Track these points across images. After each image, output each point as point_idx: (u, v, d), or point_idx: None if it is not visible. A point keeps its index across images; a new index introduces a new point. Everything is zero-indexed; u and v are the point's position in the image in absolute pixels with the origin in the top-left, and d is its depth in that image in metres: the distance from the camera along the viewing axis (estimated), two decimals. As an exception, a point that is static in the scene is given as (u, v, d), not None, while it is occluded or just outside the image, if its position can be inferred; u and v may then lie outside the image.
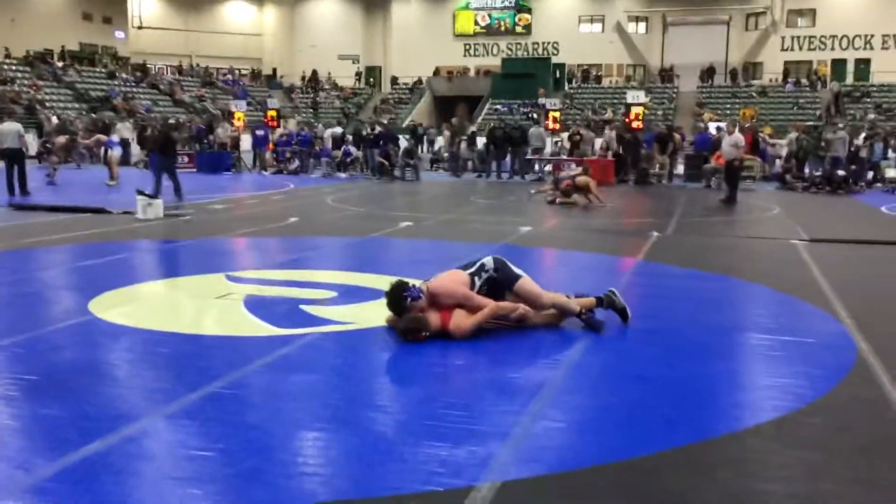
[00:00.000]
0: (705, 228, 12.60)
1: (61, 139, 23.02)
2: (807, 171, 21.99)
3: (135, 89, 41.43)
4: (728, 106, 40.42)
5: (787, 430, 3.92)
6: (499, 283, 5.74)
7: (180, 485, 3.23)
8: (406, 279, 5.70)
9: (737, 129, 17.72)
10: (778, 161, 23.46)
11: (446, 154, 26.64)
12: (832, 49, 44.82)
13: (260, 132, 26.47)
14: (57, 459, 3.44)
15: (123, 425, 3.83)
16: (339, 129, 27.64)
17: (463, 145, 25.63)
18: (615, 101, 40.37)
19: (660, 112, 39.27)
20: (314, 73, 51.44)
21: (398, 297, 5.48)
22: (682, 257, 9.39)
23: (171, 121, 26.21)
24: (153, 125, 25.75)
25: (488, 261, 5.81)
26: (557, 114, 27.23)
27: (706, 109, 39.48)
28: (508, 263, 5.87)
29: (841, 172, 19.78)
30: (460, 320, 5.43)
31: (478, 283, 5.68)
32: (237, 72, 51.87)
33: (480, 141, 26.18)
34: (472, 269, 5.74)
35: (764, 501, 3.17)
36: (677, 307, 6.80)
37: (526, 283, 5.77)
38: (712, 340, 5.63)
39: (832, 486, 3.32)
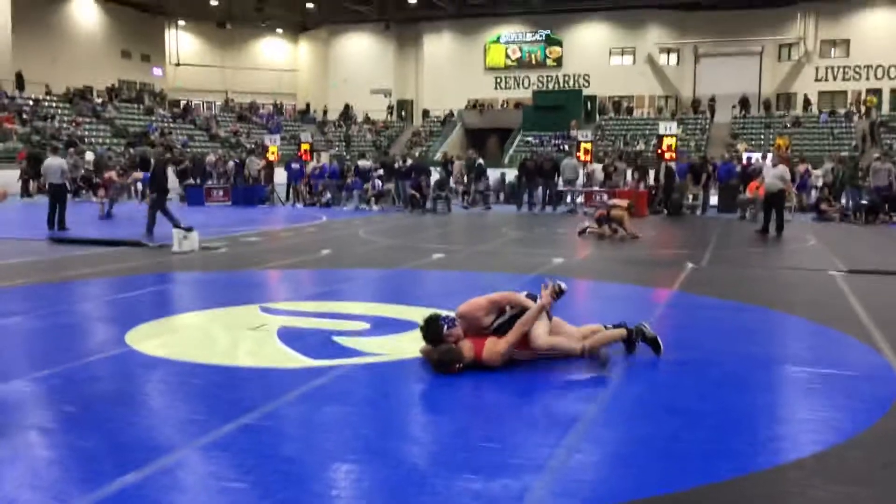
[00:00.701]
0: (741, 259, 12.47)
1: (112, 174, 23.44)
2: (843, 201, 21.74)
3: (172, 125, 42.19)
4: (762, 136, 40.16)
5: (828, 465, 3.83)
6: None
7: (214, 516, 3.23)
8: (439, 311, 5.70)
9: (781, 162, 16.86)
10: (814, 192, 23.22)
11: (459, 187, 26.55)
12: (867, 79, 44.48)
13: (295, 165, 26.75)
14: (93, 490, 3.46)
15: (158, 457, 3.85)
16: (368, 163, 27.80)
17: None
18: (647, 132, 40.31)
19: (692, 143, 39.11)
20: (347, 106, 52.07)
21: (436, 326, 5.49)
22: (718, 288, 9.28)
23: (168, 155, 26.47)
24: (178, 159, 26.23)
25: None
26: (589, 145, 27.21)
27: (740, 140, 39.26)
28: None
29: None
30: (492, 346, 5.41)
31: (502, 316, 5.64)
32: (274, 105, 52.69)
33: (493, 175, 26.35)
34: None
35: (806, 538, 3.09)
36: (713, 338, 6.72)
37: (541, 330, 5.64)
38: (749, 372, 5.54)
39: (877, 522, 3.24)
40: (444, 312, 5.66)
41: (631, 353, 5.82)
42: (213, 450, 3.98)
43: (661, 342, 5.85)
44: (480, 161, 25.97)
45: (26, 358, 5.97)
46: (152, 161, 19.83)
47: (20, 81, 39.09)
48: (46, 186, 16.22)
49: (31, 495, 3.42)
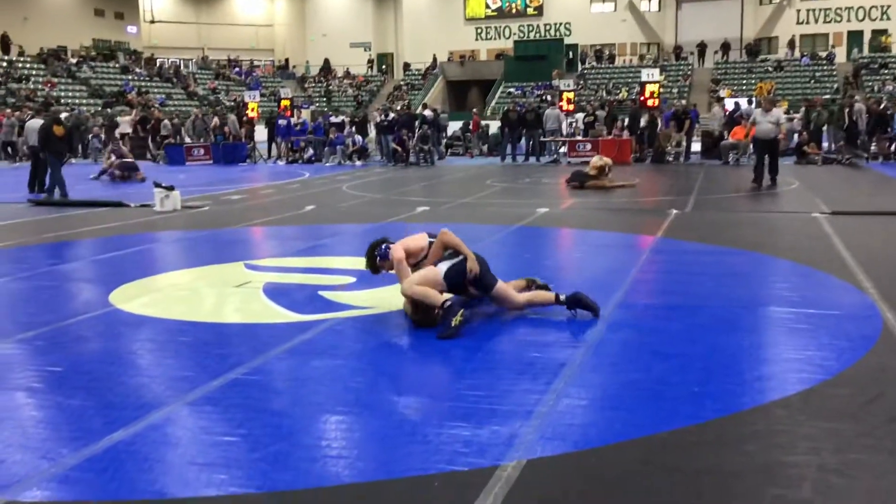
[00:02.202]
0: (725, 204, 12.49)
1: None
2: (825, 145, 21.78)
3: (149, 83, 41.56)
4: (744, 81, 40.04)
5: (814, 402, 3.87)
6: (476, 285, 5.59)
7: (206, 470, 3.23)
8: (385, 239, 5.86)
9: (774, 106, 15.47)
10: (795, 136, 23.24)
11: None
12: (848, 21, 44.25)
13: (282, 122, 26.30)
14: (82, 448, 3.45)
15: (147, 413, 3.84)
16: (339, 119, 27.28)
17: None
18: (629, 80, 40.08)
19: (675, 90, 38.95)
20: (326, 61, 51.41)
21: (371, 257, 5.74)
22: (703, 233, 9.31)
23: (65, 115, 25.77)
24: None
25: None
26: (571, 95, 27.07)
27: (722, 86, 39.13)
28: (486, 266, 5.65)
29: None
30: (416, 279, 5.43)
31: (443, 266, 5.52)
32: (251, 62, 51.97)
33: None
34: (449, 251, 5.63)
35: (793, 473, 3.13)
36: (699, 283, 6.74)
37: (501, 287, 5.61)
38: (735, 315, 5.57)
39: (861, 456, 3.28)
40: (383, 243, 5.78)
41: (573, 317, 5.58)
42: (202, 405, 3.98)
43: (598, 309, 5.54)
44: (426, 113, 25.57)
45: (9, 320, 5.92)
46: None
47: (5, 43, 38.35)
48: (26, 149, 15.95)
49: (21, 455, 3.41)
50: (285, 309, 5.93)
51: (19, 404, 4.07)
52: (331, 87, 49.04)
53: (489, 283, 5.57)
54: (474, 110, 30.88)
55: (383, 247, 5.74)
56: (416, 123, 23.93)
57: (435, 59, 48.12)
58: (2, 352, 5.00)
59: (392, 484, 3.12)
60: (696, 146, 23.19)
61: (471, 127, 28.15)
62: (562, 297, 5.53)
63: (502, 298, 5.63)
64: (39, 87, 35.47)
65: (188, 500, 2.99)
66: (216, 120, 27.03)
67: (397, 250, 5.66)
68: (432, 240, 5.74)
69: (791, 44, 43.47)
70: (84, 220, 11.54)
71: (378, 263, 5.76)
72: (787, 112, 25.17)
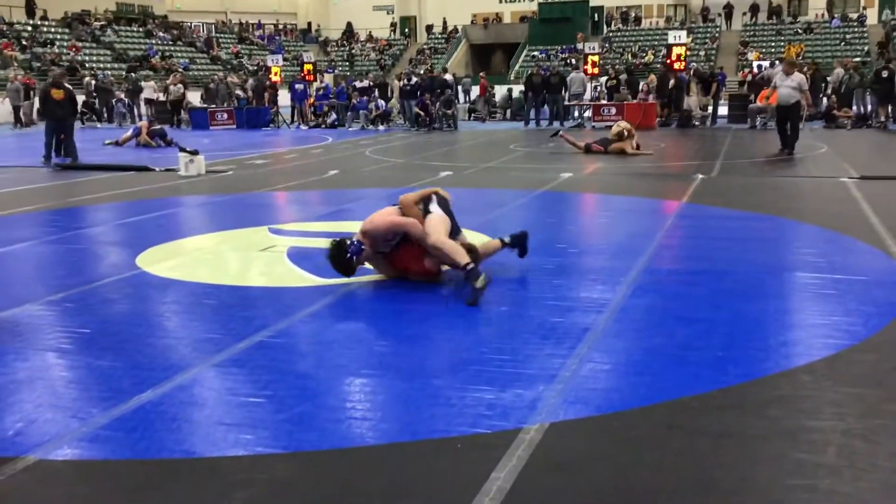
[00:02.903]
0: (751, 169, 12.35)
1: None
2: (854, 108, 21.43)
3: (172, 48, 41.55)
4: (773, 44, 39.34)
5: (840, 368, 3.85)
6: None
7: (232, 430, 3.28)
8: (343, 238, 5.51)
9: (796, 70, 14.42)
10: (824, 99, 22.87)
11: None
12: (882, -21, 43.20)
13: (299, 86, 26.37)
14: (111, 408, 3.51)
15: (175, 374, 3.90)
16: (365, 83, 27.19)
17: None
18: (655, 42, 39.53)
19: (702, 53, 38.36)
20: (349, 25, 51.08)
21: (342, 259, 5.34)
22: (729, 198, 9.22)
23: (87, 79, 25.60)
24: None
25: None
26: (596, 58, 26.74)
27: (750, 48, 38.49)
28: (444, 203, 5.58)
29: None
30: (441, 230, 5.31)
31: (436, 207, 5.49)
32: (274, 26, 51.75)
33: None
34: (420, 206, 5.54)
35: (817, 438, 3.12)
36: (724, 248, 6.69)
37: (435, 217, 5.41)
38: (761, 280, 5.53)
39: (887, 421, 3.26)
40: (347, 240, 5.45)
41: (523, 257, 5.86)
42: (228, 366, 4.02)
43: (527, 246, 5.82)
44: (447, 78, 25.48)
45: (38, 282, 6.01)
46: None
47: (30, 7, 38.44)
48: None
49: (52, 415, 3.47)
50: (309, 273, 5.96)
51: (50, 365, 4.14)
52: (353, 52, 48.76)
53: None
54: (481, 74, 30.57)
55: (355, 241, 5.36)
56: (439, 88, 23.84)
57: (446, 25, 47.59)
58: (32, 314, 5.08)
59: (415, 445, 3.15)
60: (724, 110, 22.90)
61: (478, 91, 27.98)
62: (506, 240, 5.72)
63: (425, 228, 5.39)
64: (65, 51, 35.55)
65: (216, 460, 3.04)
66: (250, 82, 26.97)
67: (391, 213, 5.49)
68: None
69: (830, 5, 42.37)
70: (109, 185, 11.63)
71: (354, 262, 5.37)
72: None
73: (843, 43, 38.32)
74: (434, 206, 5.51)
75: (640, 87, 23.55)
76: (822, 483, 2.77)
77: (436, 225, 5.35)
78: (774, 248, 6.78)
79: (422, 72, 30.55)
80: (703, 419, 3.33)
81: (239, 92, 26.83)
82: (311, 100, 26.49)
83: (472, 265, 5.12)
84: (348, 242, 5.39)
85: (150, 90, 28.36)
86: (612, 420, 3.35)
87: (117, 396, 3.64)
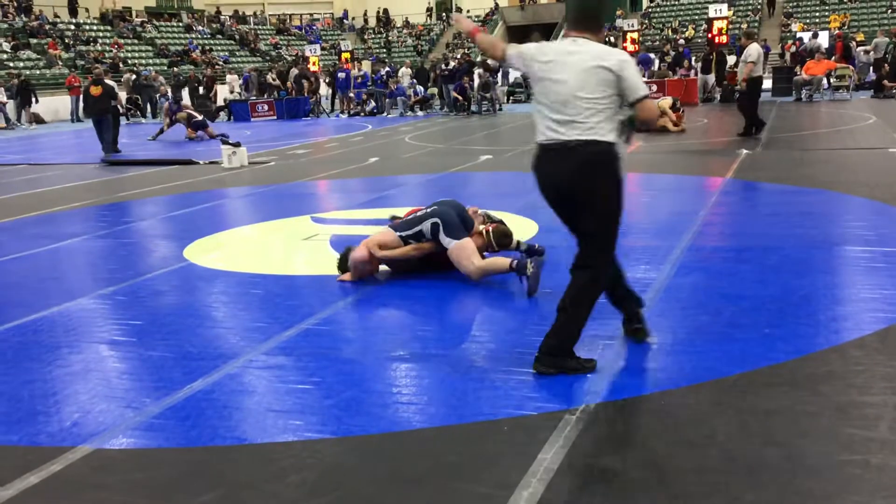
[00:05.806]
0: (797, 142, 12.11)
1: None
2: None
3: (211, 41, 41.95)
4: (817, 14, 38.40)
5: (891, 342, 3.78)
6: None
7: (282, 416, 3.33)
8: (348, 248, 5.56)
9: (753, 41, 13.27)
10: (871, 69, 22.30)
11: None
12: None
13: (342, 75, 26.39)
14: (164, 398, 3.59)
15: (224, 363, 3.97)
16: (408, 70, 27.20)
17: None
18: (696, 17, 38.83)
19: (744, 26, 37.59)
20: (385, 11, 51.05)
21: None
22: (774, 173, 9.07)
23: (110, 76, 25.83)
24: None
25: (426, 227, 5.33)
26: (635, 35, 26.37)
27: (794, 20, 37.64)
28: (447, 227, 5.28)
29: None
30: (473, 258, 5.19)
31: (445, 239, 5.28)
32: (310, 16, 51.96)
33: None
34: (409, 234, 5.37)
35: (869, 413, 3.07)
36: (771, 224, 6.59)
37: (454, 251, 5.24)
38: (809, 255, 5.44)
39: (942, 396, 3.20)
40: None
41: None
42: (276, 354, 4.09)
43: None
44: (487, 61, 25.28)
45: (90, 276, 6.16)
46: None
47: (72, 6, 39.12)
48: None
49: (106, 405, 3.56)
50: (353, 260, 6.00)
51: (103, 357, 4.24)
52: (390, 38, 48.74)
53: (444, 246, 5.38)
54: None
55: (360, 265, 5.41)
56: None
57: (492, 10, 47.25)
58: (85, 307, 5.20)
59: (462, 428, 3.17)
60: (768, 83, 22.44)
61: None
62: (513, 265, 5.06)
63: (456, 262, 5.32)
64: (108, 48, 36.09)
65: (266, 445, 3.10)
66: (294, 72, 27.07)
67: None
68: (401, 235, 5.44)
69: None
70: (155, 179, 11.82)
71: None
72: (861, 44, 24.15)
73: (890, 10, 37.25)
74: (442, 236, 5.27)
75: (684, 63, 23.16)
76: (875, 458, 2.74)
77: (462, 259, 5.20)
78: (822, 221, 6.67)
79: (458, 56, 30.40)
80: (751, 396, 3.30)
81: (271, 80, 26.91)
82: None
83: (514, 262, 4.97)
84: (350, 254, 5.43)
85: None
86: (659, 399, 3.33)
87: (169, 386, 3.72)
